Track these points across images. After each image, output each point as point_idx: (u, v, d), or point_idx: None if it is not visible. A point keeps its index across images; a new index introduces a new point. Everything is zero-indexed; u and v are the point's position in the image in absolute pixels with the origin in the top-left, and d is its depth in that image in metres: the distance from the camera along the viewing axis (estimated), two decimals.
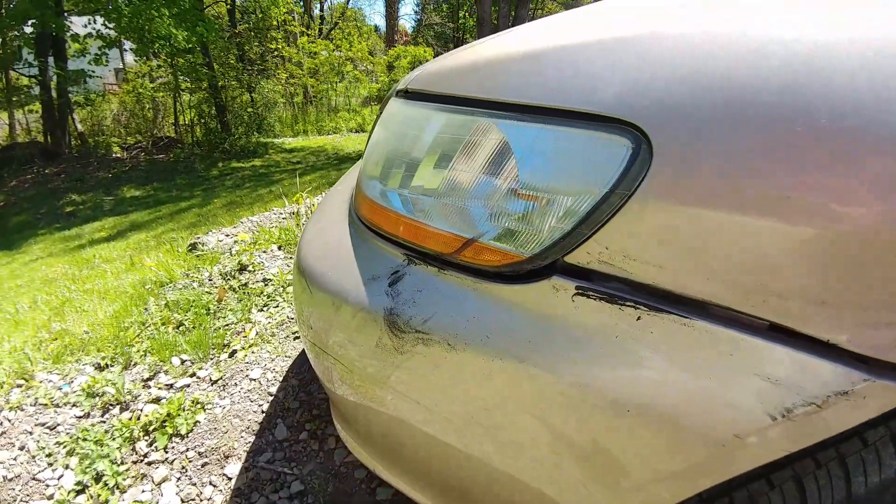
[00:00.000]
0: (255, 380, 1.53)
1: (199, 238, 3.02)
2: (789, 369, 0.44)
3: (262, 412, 1.40)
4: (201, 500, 1.17)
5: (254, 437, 1.33)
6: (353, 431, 0.83)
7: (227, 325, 1.86)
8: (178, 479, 1.23)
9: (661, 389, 0.48)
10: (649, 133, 0.49)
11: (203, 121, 9.49)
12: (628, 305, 0.50)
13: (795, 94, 0.42)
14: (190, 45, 8.08)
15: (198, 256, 2.73)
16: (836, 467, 0.47)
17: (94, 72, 8.29)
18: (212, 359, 1.68)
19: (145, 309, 2.10)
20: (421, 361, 0.62)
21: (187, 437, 1.34)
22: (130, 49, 9.28)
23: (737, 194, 0.44)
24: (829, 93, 0.42)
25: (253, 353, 1.66)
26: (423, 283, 0.65)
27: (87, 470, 1.23)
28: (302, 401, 1.42)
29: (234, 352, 1.69)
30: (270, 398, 1.45)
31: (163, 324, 1.91)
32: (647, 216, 0.49)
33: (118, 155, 8.59)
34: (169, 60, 8.87)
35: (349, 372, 0.71)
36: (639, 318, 0.50)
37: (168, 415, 1.39)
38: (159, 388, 1.53)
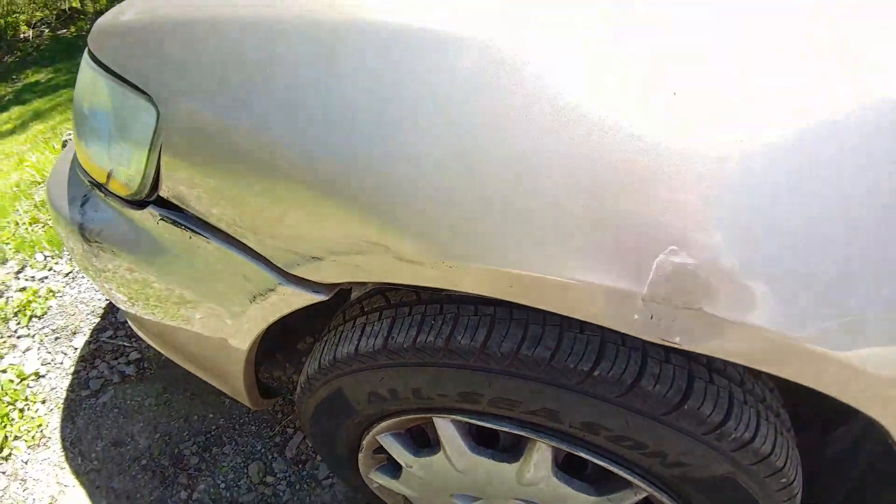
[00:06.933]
0: None
1: (70, 134, 3.09)
2: (249, 268, 0.71)
3: (105, 300, 1.76)
4: (55, 364, 1.57)
5: (98, 318, 1.71)
6: (129, 316, 1.14)
7: None
8: (38, 348, 1.61)
9: (209, 278, 0.78)
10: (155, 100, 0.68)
11: None
12: (182, 227, 0.75)
13: None
14: None
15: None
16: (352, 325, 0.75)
17: None
18: (66, 254, 1.99)
19: (16, 210, 2.32)
20: (108, 262, 0.87)
21: (43, 317, 1.71)
22: None
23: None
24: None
25: None
26: (96, 204, 0.86)
27: None
28: None
29: None
30: None
31: (31, 223, 2.18)
32: (172, 165, 0.69)
33: (25, 34, 7.74)
34: None
35: (86, 270, 0.97)
36: (190, 237, 0.75)
37: (29, 300, 1.74)
38: (26, 279, 1.88)
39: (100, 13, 8.04)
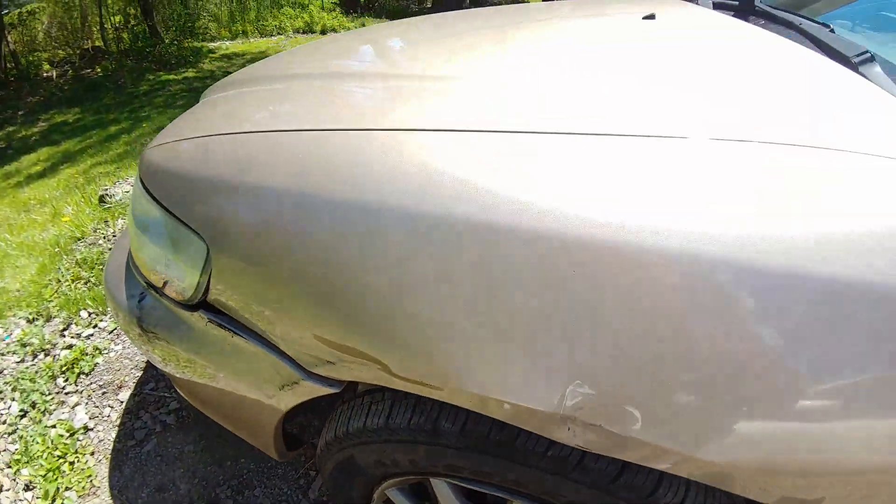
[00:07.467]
0: None
1: (107, 189, 3.33)
2: (279, 365, 0.87)
3: None
4: (103, 417, 1.73)
5: (141, 372, 1.88)
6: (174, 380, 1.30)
7: None
8: (86, 403, 1.78)
9: (247, 368, 0.93)
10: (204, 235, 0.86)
11: (129, 25, 8.52)
12: (226, 329, 0.91)
13: None
14: None
15: (106, 209, 3.09)
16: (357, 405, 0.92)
17: None
18: (109, 312, 2.15)
19: (58, 268, 2.52)
20: (160, 348, 1.05)
21: (90, 374, 1.88)
22: None
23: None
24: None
25: None
26: (152, 303, 1.04)
27: (26, 400, 1.78)
28: None
29: None
30: None
31: (73, 280, 2.37)
32: (220, 286, 0.87)
33: (48, 74, 7.85)
34: None
35: (137, 347, 1.15)
36: (232, 336, 0.91)
37: (76, 359, 1.91)
38: (71, 337, 2.04)
39: (124, 52, 8.26)
